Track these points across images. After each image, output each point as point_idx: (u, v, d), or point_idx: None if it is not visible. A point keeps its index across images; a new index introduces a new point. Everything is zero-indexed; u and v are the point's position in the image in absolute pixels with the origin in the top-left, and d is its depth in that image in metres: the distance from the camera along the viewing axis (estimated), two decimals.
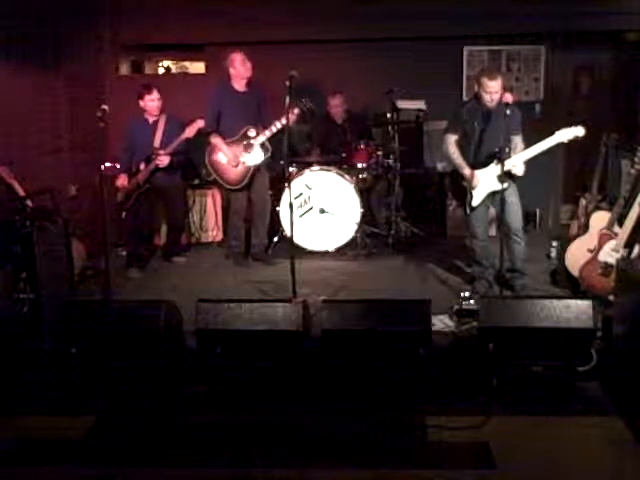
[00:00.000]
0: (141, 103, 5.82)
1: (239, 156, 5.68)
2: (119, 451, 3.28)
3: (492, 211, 5.16)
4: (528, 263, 5.37)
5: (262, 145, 5.67)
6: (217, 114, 5.71)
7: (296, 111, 5.52)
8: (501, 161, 4.40)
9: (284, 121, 5.26)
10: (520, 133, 4.73)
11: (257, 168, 5.75)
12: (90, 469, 3.14)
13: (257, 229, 5.99)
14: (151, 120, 5.87)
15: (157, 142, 5.79)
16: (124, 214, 5.77)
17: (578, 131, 4.46)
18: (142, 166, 5.75)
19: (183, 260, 6.17)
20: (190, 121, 5.72)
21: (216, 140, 5.72)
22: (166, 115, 5.90)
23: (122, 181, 5.75)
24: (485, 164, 4.72)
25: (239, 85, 5.70)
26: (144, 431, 3.46)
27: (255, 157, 5.69)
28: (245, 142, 5.67)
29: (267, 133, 5.61)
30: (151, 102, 5.80)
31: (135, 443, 3.35)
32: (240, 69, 5.62)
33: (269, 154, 5.70)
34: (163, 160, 5.70)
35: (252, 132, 5.64)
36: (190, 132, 5.69)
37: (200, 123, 5.68)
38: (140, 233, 5.98)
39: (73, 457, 3.25)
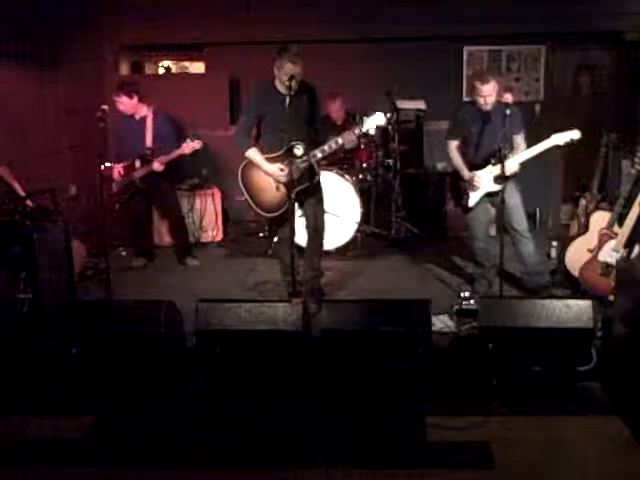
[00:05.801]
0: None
1: (281, 177, 4.46)
2: (119, 451, 3.28)
3: (493, 212, 5.15)
4: None
5: (309, 168, 4.48)
6: (257, 120, 4.58)
7: (357, 131, 4.45)
8: (498, 162, 4.40)
9: (341, 141, 4.43)
10: (522, 132, 4.71)
11: (307, 187, 4.57)
12: (90, 469, 3.13)
13: (309, 258, 4.86)
14: (137, 117, 5.66)
15: (149, 141, 5.62)
16: (117, 206, 5.70)
17: (574, 134, 4.48)
18: (137, 163, 5.63)
19: (196, 263, 6.01)
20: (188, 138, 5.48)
21: (253, 155, 4.54)
22: (153, 112, 5.67)
23: (117, 173, 5.68)
24: (483, 165, 4.72)
25: (283, 87, 4.39)
26: (144, 431, 3.46)
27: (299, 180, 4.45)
28: (288, 160, 4.36)
29: (318, 154, 4.42)
30: (120, 104, 5.58)
31: (135, 443, 3.35)
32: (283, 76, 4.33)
33: (317, 179, 4.58)
34: (159, 168, 5.54)
35: (299, 149, 4.41)
36: (187, 149, 5.43)
37: (197, 145, 5.40)
38: (138, 228, 5.97)
39: (73, 457, 3.24)
